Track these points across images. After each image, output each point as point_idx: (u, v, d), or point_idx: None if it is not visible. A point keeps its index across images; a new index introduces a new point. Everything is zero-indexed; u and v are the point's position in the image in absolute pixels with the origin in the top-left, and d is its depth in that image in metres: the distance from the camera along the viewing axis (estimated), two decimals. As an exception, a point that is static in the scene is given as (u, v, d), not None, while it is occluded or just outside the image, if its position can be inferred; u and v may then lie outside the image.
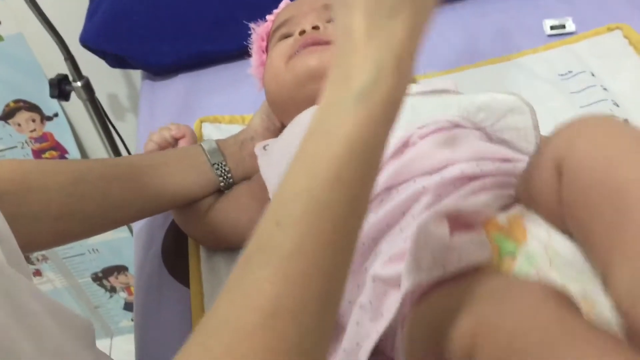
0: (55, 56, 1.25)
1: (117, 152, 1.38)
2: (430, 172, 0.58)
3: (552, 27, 0.97)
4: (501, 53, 0.96)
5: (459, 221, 0.51)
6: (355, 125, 0.37)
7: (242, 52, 1.01)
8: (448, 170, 0.57)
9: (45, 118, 1.46)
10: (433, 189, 0.55)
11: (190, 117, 0.96)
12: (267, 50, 0.81)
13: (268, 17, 0.83)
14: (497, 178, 0.57)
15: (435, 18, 0.41)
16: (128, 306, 1.77)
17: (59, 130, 1.48)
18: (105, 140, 1.34)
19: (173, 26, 1.04)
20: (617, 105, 0.83)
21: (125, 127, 1.49)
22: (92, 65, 1.24)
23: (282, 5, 0.83)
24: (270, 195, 0.71)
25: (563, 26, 0.96)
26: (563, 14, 0.99)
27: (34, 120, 1.46)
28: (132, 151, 1.41)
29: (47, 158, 1.51)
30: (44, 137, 1.49)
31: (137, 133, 0.99)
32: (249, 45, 0.85)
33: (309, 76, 0.69)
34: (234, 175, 0.76)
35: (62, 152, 1.52)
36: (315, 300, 0.37)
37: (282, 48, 0.74)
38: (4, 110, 1.43)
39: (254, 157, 0.74)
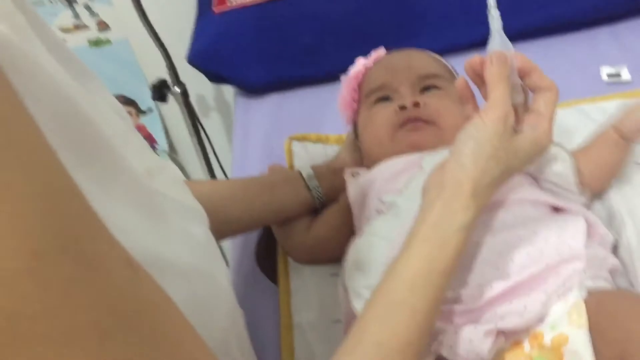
0: (156, 60, 1.41)
1: (203, 147, 1.55)
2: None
3: (608, 75, 1.07)
4: (562, 97, 1.06)
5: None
6: (452, 249, 0.58)
7: (326, 78, 1.16)
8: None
9: (139, 112, 1.63)
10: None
11: (279, 134, 1.10)
12: (358, 100, 0.93)
13: (357, 61, 0.94)
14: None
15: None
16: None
17: (151, 124, 1.66)
18: (194, 137, 1.50)
19: (270, 50, 1.18)
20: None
21: (211, 124, 1.66)
22: (188, 71, 1.39)
23: (360, 64, 0.92)
24: (355, 216, 0.85)
25: (619, 74, 1.07)
26: (620, 60, 1.10)
27: (130, 113, 1.63)
28: (216, 147, 1.57)
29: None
30: (138, 129, 1.66)
31: (232, 149, 1.14)
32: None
33: (410, 148, 0.81)
34: (326, 197, 0.90)
35: (152, 142, 1.69)
36: None
37: (384, 116, 0.84)
38: (105, 103, 1.61)
39: (342, 183, 0.88)
